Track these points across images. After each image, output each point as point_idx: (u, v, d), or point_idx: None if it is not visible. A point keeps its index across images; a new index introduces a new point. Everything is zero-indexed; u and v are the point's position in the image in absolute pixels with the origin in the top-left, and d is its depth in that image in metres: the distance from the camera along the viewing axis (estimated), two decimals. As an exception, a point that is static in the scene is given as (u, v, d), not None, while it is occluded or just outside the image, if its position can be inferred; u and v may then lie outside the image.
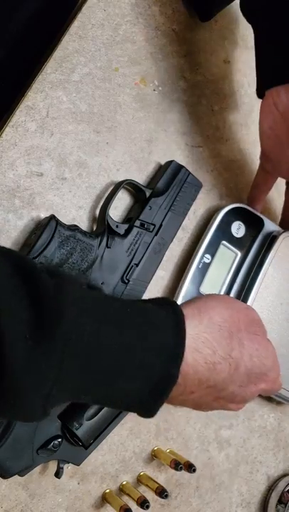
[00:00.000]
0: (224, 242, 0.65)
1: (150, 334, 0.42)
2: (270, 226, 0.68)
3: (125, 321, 0.42)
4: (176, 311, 0.45)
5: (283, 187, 0.74)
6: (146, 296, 0.62)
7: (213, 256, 0.64)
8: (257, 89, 0.63)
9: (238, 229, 0.66)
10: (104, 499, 0.62)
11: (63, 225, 0.55)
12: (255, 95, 0.72)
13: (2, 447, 0.52)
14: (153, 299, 0.47)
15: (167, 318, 0.44)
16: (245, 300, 0.64)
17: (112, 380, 0.41)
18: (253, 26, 0.62)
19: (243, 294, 0.65)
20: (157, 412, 0.44)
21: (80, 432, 0.55)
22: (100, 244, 0.57)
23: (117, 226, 0.59)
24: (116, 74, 0.62)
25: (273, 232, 0.67)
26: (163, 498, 0.60)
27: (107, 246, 0.58)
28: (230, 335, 0.46)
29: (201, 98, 0.68)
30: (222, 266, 0.65)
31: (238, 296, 0.65)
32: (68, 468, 0.60)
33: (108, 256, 0.58)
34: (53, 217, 0.55)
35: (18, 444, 0.53)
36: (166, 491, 0.60)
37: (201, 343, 0.44)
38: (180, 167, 0.63)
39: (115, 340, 0.40)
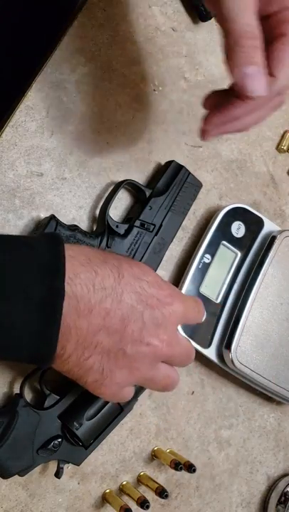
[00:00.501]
0: (224, 242, 0.65)
1: (21, 251, 0.40)
2: (270, 226, 0.68)
3: None
4: (47, 233, 0.43)
5: (283, 187, 0.74)
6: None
7: (213, 256, 0.64)
8: None
9: (238, 229, 0.66)
10: (104, 499, 0.62)
11: (63, 225, 0.55)
12: (255, 95, 0.72)
13: (2, 447, 0.52)
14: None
15: (38, 236, 0.43)
16: (245, 300, 0.64)
17: None
18: None
19: (243, 294, 0.65)
20: (56, 341, 0.39)
21: (80, 432, 0.55)
22: (100, 244, 0.57)
23: (117, 226, 0.59)
24: (116, 74, 0.62)
25: (273, 232, 0.67)
26: (163, 498, 0.60)
27: (107, 246, 0.58)
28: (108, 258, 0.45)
29: (200, 98, 0.68)
30: (222, 266, 0.65)
31: (238, 296, 0.65)
32: (68, 468, 0.60)
33: (108, 256, 0.58)
34: (53, 217, 0.55)
35: (18, 444, 0.53)
36: (166, 491, 0.60)
37: (75, 251, 0.42)
38: (180, 167, 0.63)
39: None
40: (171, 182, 0.62)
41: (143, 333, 0.44)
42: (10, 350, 0.40)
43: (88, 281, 0.42)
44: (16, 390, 0.56)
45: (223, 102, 0.46)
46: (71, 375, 0.45)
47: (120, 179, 0.61)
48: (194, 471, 0.62)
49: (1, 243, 0.41)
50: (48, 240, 0.42)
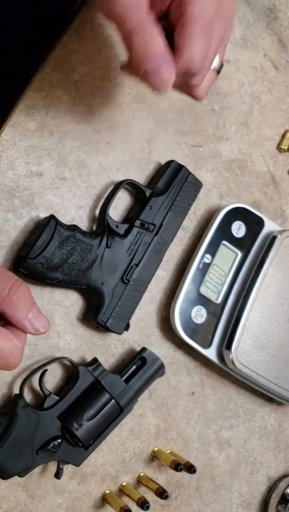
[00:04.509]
0: (224, 242, 0.65)
1: None
2: (270, 226, 0.68)
3: None
4: None
5: (284, 187, 0.74)
6: (146, 296, 0.62)
7: (213, 256, 0.64)
8: None
9: (238, 229, 0.66)
10: (104, 500, 0.61)
11: (63, 225, 0.55)
12: (255, 94, 0.72)
13: (2, 448, 0.52)
14: None
15: None
16: (245, 300, 0.64)
17: None
18: None
19: (244, 294, 0.65)
20: None
21: (79, 433, 0.55)
22: (99, 244, 0.57)
23: (117, 226, 0.59)
24: (116, 73, 0.62)
25: (274, 232, 0.67)
26: (163, 499, 0.60)
27: (107, 246, 0.58)
28: None
29: (201, 98, 0.68)
30: (222, 266, 0.65)
31: (239, 297, 0.65)
32: (68, 469, 0.59)
33: (108, 256, 0.58)
34: (52, 217, 0.55)
35: (17, 444, 0.53)
36: (166, 492, 0.60)
37: None
38: (180, 167, 0.62)
39: None
40: (171, 182, 0.62)
41: None
42: None
43: None
44: (16, 390, 0.56)
45: None
46: None
47: (120, 179, 0.61)
48: (194, 471, 0.62)
49: None
50: None
